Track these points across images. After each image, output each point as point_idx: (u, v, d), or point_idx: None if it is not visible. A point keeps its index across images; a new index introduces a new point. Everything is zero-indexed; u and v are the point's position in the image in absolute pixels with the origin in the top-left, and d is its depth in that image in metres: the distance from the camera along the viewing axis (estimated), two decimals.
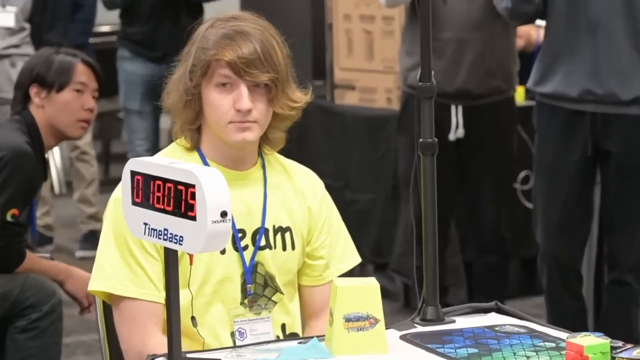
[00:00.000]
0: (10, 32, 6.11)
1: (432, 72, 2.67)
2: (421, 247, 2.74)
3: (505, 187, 5.30)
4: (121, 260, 2.77)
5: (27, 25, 6.34)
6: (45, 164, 4.19)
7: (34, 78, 4.08)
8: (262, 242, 2.85)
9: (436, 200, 2.70)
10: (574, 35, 4.29)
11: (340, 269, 2.96)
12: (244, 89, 2.76)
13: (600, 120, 4.36)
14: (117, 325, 2.81)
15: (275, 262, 2.86)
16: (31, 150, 3.95)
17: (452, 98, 4.94)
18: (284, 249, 2.89)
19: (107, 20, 8.08)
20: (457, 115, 5.00)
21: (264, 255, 2.84)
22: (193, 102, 2.80)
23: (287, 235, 2.91)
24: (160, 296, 2.74)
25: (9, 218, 3.84)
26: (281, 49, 2.84)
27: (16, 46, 6.17)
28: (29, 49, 6.09)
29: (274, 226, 2.87)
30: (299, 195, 2.95)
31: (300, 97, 2.86)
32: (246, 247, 2.82)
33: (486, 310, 2.86)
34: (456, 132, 5.01)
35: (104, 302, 2.88)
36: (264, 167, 2.89)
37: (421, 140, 2.69)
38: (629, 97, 4.31)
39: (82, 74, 4.12)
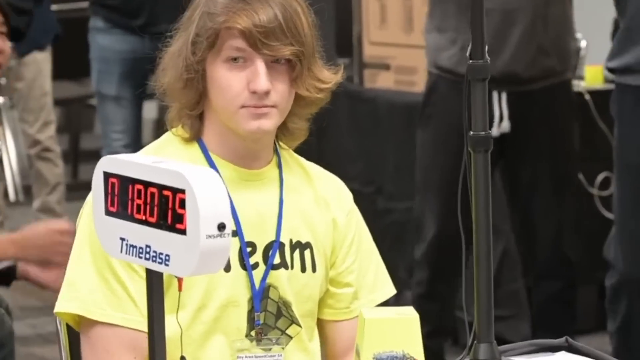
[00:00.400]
0: None
1: (486, 47, 2.25)
2: (471, 269, 2.36)
3: (565, 193, 4.73)
4: (98, 277, 2.49)
5: None
6: None
7: None
8: (276, 260, 2.55)
9: (491, 210, 2.31)
10: None
11: (372, 300, 2.66)
12: (260, 65, 2.43)
13: None
14: (85, 357, 2.52)
15: (293, 285, 2.55)
16: None
17: (496, 83, 4.37)
18: (303, 270, 2.57)
19: None
20: (500, 105, 4.51)
21: (279, 277, 2.54)
22: (195, 81, 2.48)
23: (307, 253, 2.59)
24: (145, 323, 2.38)
25: None
26: (306, 15, 2.53)
27: None
28: None
29: (291, 241, 2.56)
30: (321, 204, 2.64)
31: (329, 77, 2.55)
32: (256, 265, 2.52)
33: (554, 349, 2.57)
34: (500, 125, 4.52)
35: (69, 329, 2.59)
36: (280, 167, 2.58)
37: (472, 133, 2.30)
38: None
39: None
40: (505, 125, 4.48)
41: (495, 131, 4.38)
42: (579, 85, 5.25)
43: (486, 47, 2.28)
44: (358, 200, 2.67)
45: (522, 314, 5.04)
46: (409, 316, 2.24)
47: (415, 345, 2.23)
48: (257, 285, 2.53)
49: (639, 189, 4.01)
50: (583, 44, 5.22)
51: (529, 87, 4.49)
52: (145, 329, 2.27)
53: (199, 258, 1.85)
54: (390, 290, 2.72)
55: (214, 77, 2.51)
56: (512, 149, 4.53)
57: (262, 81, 2.45)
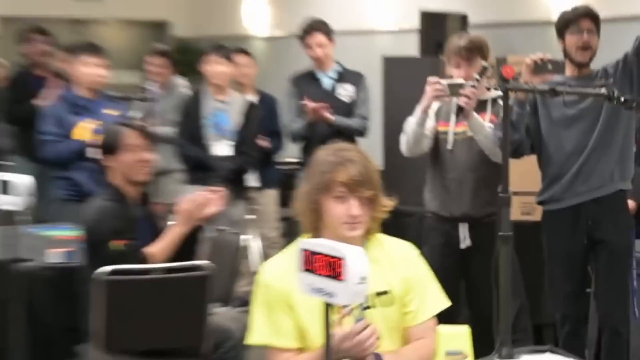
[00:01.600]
0: None
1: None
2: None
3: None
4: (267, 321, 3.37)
5: None
6: None
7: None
8: (365, 304, 3.35)
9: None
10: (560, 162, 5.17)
11: (430, 313, 3.43)
12: (352, 201, 3.34)
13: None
14: None
15: (378, 317, 3.36)
16: (109, 205, 4.82)
17: (460, 220, 5.53)
18: (385, 306, 3.39)
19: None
20: (464, 231, 5.54)
21: (370, 313, 3.36)
22: (317, 209, 3.36)
23: (385, 296, 3.40)
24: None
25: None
26: (375, 168, 3.40)
27: None
28: None
29: (374, 292, 3.36)
30: (396, 265, 3.45)
31: (389, 203, 3.45)
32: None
33: (542, 351, 3.40)
34: (464, 242, 5.55)
35: None
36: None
37: (500, 233, 3.37)
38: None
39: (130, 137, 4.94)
40: (468, 242, 5.52)
41: (462, 245, 5.52)
42: None
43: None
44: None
45: (528, 338, 5.93)
46: (463, 331, 3.14)
47: (466, 347, 3.10)
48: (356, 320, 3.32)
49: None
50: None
51: (480, 221, 5.47)
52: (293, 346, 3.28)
53: (352, 295, 2.70)
54: (443, 304, 3.45)
55: (328, 208, 3.34)
56: (470, 255, 5.56)
57: (355, 210, 3.31)
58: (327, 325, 2.84)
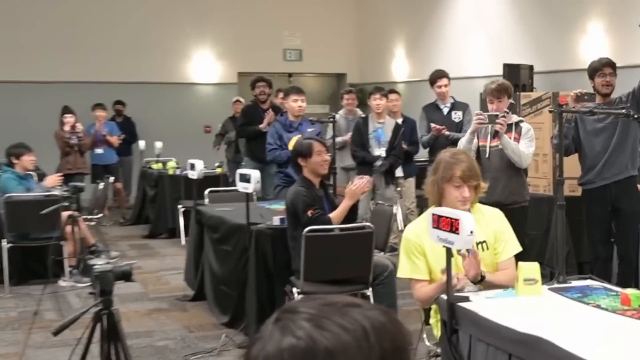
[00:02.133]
0: None
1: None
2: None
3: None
4: (408, 263, 3.39)
5: None
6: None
7: (296, 154, 4.95)
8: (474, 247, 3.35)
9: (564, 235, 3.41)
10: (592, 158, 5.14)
11: (510, 253, 3.44)
12: (465, 188, 3.37)
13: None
14: (416, 291, 3.41)
15: (482, 256, 3.40)
16: (304, 189, 4.79)
17: (494, 205, 5.39)
18: (483, 250, 3.43)
19: None
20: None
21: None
22: (440, 191, 3.37)
23: (484, 244, 3.44)
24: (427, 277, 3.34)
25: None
26: (477, 167, 3.39)
27: None
28: None
29: (477, 241, 3.41)
30: (489, 223, 3.46)
31: (484, 187, 3.47)
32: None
33: (585, 278, 3.48)
34: None
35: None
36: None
37: (558, 203, 3.45)
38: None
39: (317, 147, 4.88)
40: None
41: None
42: None
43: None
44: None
45: (574, 270, 5.68)
46: (535, 266, 3.12)
47: (537, 275, 3.08)
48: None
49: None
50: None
51: (507, 207, 4.71)
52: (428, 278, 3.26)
53: (464, 242, 2.83)
54: (519, 248, 3.46)
55: (449, 192, 3.34)
56: None
57: (467, 194, 3.33)
58: (449, 263, 2.94)
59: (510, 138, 5.36)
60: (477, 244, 3.38)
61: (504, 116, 5.21)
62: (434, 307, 3.19)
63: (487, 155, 5.41)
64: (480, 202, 3.64)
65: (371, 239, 4.84)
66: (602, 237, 5.56)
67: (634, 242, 5.54)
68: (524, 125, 5.39)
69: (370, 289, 4.87)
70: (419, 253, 3.29)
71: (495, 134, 5.33)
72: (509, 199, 5.40)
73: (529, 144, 5.40)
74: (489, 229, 3.44)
